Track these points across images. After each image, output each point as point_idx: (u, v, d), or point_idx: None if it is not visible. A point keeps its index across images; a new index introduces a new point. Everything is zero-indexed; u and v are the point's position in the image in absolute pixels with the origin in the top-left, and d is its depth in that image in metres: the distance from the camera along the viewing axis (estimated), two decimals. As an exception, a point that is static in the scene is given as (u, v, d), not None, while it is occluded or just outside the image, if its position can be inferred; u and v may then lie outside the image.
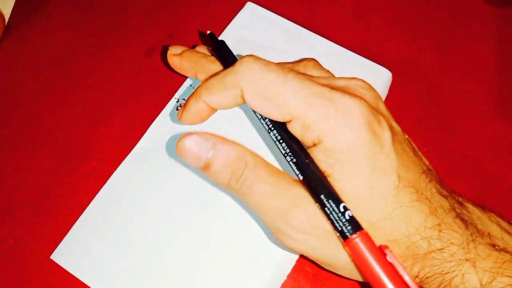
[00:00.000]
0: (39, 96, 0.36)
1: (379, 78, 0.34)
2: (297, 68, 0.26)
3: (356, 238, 0.21)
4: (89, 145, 0.34)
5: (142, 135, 0.33)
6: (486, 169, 0.33)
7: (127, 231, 0.30)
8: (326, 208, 0.21)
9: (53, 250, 0.29)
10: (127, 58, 0.37)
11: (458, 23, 0.38)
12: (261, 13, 0.37)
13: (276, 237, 0.23)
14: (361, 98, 0.22)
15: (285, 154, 0.23)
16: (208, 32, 0.29)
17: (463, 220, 0.22)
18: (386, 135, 0.22)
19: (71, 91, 0.36)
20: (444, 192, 0.23)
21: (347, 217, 0.21)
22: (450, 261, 0.21)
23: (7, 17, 0.39)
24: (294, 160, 0.23)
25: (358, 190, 0.21)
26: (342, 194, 0.22)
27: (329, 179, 0.22)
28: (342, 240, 0.21)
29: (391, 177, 0.21)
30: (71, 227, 0.30)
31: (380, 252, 0.21)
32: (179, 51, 0.29)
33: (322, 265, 0.24)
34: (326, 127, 0.21)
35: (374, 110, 0.22)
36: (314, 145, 0.22)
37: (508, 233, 0.23)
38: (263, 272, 0.28)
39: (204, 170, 0.23)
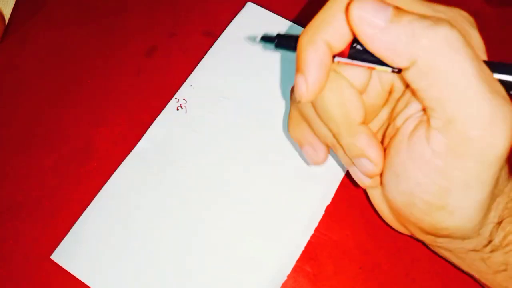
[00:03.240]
0: (39, 96, 0.36)
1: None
2: None
3: None
4: (89, 145, 0.34)
5: (142, 135, 0.33)
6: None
7: (127, 231, 0.30)
8: None
9: (53, 250, 0.30)
10: (127, 58, 0.37)
11: (458, 23, 0.38)
12: (261, 13, 0.37)
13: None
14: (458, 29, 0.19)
15: None
16: (258, 38, 0.26)
17: None
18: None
19: (71, 91, 0.36)
20: None
21: None
22: None
23: (7, 17, 0.39)
24: None
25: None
26: None
27: None
28: None
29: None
30: (71, 227, 0.30)
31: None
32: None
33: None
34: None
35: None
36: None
37: None
38: (263, 272, 0.28)
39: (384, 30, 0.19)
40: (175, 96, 0.34)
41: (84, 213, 0.30)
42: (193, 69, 0.35)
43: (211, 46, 0.36)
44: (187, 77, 0.35)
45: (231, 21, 0.37)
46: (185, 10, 0.39)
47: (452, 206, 0.21)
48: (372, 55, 0.20)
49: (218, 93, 0.34)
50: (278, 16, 0.37)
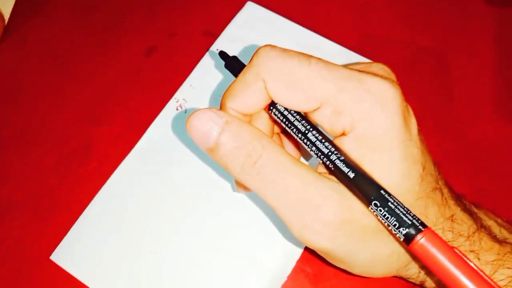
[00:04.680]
0: (39, 96, 0.36)
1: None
2: None
3: (424, 237, 0.19)
4: (89, 145, 0.33)
5: (142, 135, 0.33)
6: (486, 169, 0.32)
7: (127, 231, 0.30)
8: (389, 203, 0.19)
9: (53, 251, 0.29)
10: (127, 58, 0.37)
11: (458, 23, 0.38)
12: (261, 13, 0.37)
13: (297, 234, 0.21)
14: (392, 80, 0.21)
15: (330, 153, 0.21)
16: (218, 51, 0.27)
17: (469, 212, 0.22)
18: (413, 121, 0.21)
19: (71, 91, 0.36)
20: (449, 184, 0.23)
21: (412, 214, 0.19)
22: None
23: (7, 17, 0.39)
24: (342, 157, 0.20)
25: (392, 179, 0.20)
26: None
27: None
28: (402, 239, 0.19)
29: (417, 165, 0.21)
30: (71, 227, 0.30)
31: (451, 250, 0.19)
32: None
33: (336, 262, 0.22)
34: (360, 110, 0.20)
35: (402, 94, 0.21)
36: (343, 134, 0.21)
37: (505, 228, 0.23)
38: (263, 273, 0.28)
39: (213, 151, 0.21)
40: (175, 96, 0.34)
41: (84, 213, 0.30)
42: (193, 69, 0.35)
43: (211, 46, 0.36)
44: (187, 77, 0.35)
45: (231, 21, 0.37)
46: (185, 10, 0.39)
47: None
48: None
49: (218, 93, 0.34)
50: (278, 15, 0.37)
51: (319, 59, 0.21)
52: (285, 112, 0.22)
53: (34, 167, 0.33)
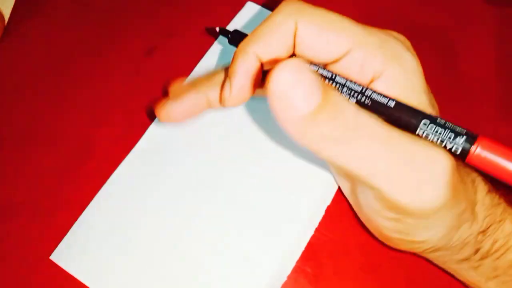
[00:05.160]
0: (39, 96, 0.36)
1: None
2: None
3: (482, 142, 0.19)
4: (89, 145, 0.33)
5: (142, 135, 0.33)
6: (486, 169, 0.32)
7: (127, 231, 0.30)
8: (437, 120, 0.19)
9: (52, 251, 0.29)
10: (127, 58, 0.37)
11: (458, 23, 0.38)
12: (261, 13, 0.37)
13: (409, 199, 0.19)
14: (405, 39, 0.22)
15: (364, 89, 0.20)
16: (218, 28, 0.26)
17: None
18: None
19: (71, 91, 0.36)
20: None
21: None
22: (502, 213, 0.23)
23: (7, 17, 0.39)
24: (375, 91, 0.20)
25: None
26: None
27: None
28: (460, 151, 0.19)
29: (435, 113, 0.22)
30: (71, 227, 0.30)
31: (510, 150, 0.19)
32: (170, 105, 0.24)
33: (421, 226, 0.21)
34: (389, 51, 0.20)
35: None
36: (372, 80, 0.21)
37: None
38: (263, 273, 0.28)
39: (308, 119, 0.17)
40: (175, 96, 0.34)
41: (83, 213, 0.30)
42: (193, 69, 0.35)
43: (211, 46, 0.36)
44: (187, 77, 0.35)
45: (231, 21, 0.37)
46: (185, 10, 0.39)
47: (415, 236, 0.22)
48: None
49: (218, 93, 0.34)
50: (278, 16, 0.37)
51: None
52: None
53: (34, 167, 0.33)
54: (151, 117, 0.34)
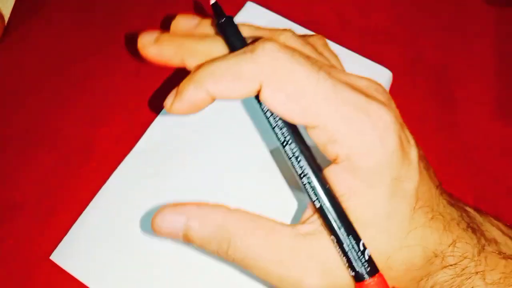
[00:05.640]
0: (39, 96, 0.36)
1: (380, 78, 0.34)
2: (308, 48, 0.22)
3: (372, 283, 0.19)
4: (89, 145, 0.34)
5: (142, 135, 0.33)
6: (486, 169, 0.32)
7: (126, 231, 0.30)
8: (344, 245, 0.19)
9: (53, 250, 0.29)
10: (127, 58, 0.37)
11: (458, 23, 0.38)
12: (261, 13, 0.37)
13: None
14: (389, 107, 0.19)
15: (301, 175, 0.20)
16: (212, 2, 0.22)
17: (473, 230, 0.21)
18: (413, 153, 0.20)
19: (71, 91, 0.36)
20: (452, 201, 0.22)
21: (366, 257, 0.19)
22: (461, 275, 0.20)
23: (7, 17, 0.39)
24: (313, 184, 0.20)
25: (377, 217, 0.19)
26: (357, 222, 0.19)
27: (345, 204, 0.20)
28: (354, 281, 0.20)
29: (409, 200, 0.20)
30: (71, 227, 0.30)
31: None
32: (153, 38, 0.23)
33: None
34: (360, 143, 0.19)
35: (400, 122, 0.20)
36: (335, 161, 0.20)
37: (510, 237, 0.23)
38: (263, 272, 0.28)
39: (188, 243, 0.21)
40: (175, 96, 0.34)
41: (84, 213, 0.30)
42: (193, 69, 0.35)
43: (211, 46, 0.36)
44: (187, 77, 0.35)
45: (231, 21, 0.36)
46: (185, 10, 0.39)
47: None
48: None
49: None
50: (278, 15, 0.37)
51: (329, 73, 0.19)
52: (268, 113, 0.21)
53: (34, 167, 0.33)
54: (155, 109, 0.34)
